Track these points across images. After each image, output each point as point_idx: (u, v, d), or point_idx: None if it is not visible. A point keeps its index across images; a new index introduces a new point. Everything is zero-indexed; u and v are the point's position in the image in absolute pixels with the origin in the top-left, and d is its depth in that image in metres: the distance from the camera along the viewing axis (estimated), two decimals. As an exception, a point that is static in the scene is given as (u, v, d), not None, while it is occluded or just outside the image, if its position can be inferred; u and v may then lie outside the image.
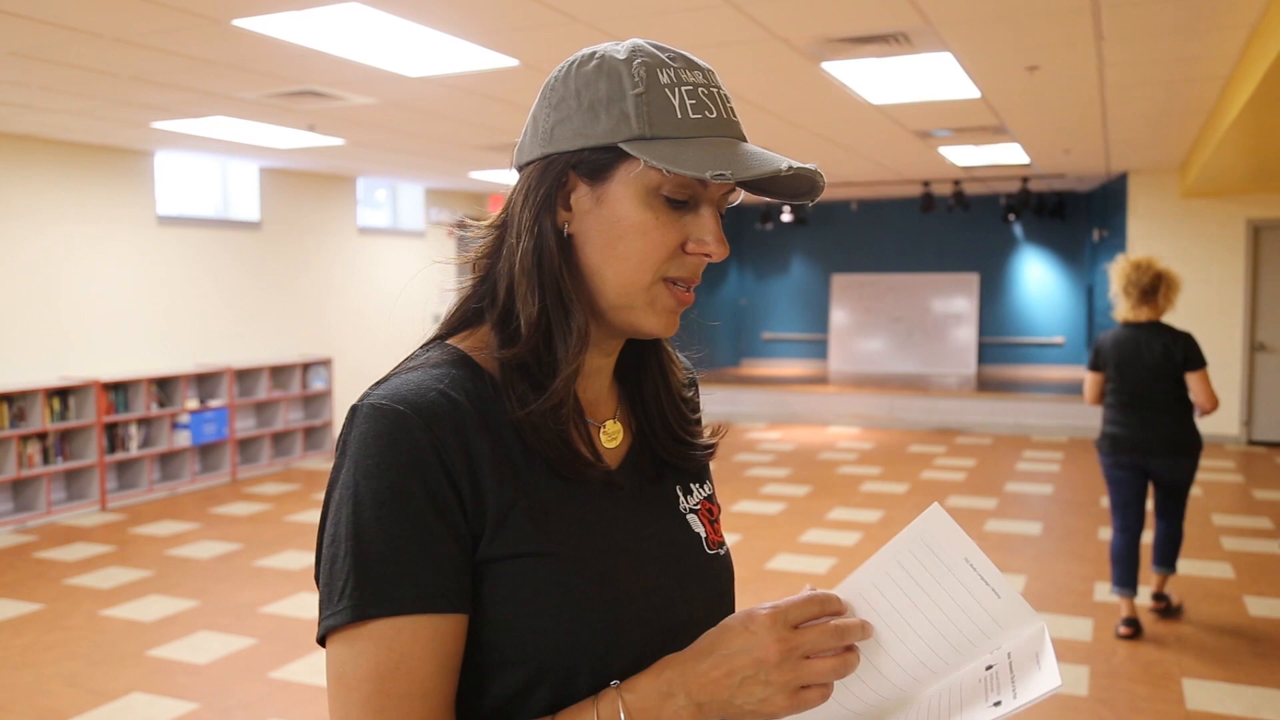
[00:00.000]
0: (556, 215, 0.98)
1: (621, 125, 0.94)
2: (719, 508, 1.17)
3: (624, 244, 0.96)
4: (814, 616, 0.92)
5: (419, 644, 0.88)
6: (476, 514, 0.92)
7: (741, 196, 1.02)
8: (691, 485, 1.11)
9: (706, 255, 0.97)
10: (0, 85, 5.57)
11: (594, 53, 0.98)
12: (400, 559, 0.89)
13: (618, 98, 0.94)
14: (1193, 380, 4.56)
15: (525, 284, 0.97)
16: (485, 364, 0.98)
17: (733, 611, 1.10)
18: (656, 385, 1.10)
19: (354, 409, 0.94)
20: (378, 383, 0.97)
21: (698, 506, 1.09)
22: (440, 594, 0.89)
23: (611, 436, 1.06)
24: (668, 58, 0.97)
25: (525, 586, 0.93)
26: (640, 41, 0.98)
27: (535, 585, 0.93)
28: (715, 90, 0.98)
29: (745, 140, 0.99)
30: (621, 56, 0.96)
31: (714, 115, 0.96)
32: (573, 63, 0.99)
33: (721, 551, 1.10)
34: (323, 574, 0.92)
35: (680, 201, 0.96)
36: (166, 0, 4.00)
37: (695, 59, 0.99)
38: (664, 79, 0.95)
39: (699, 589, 1.03)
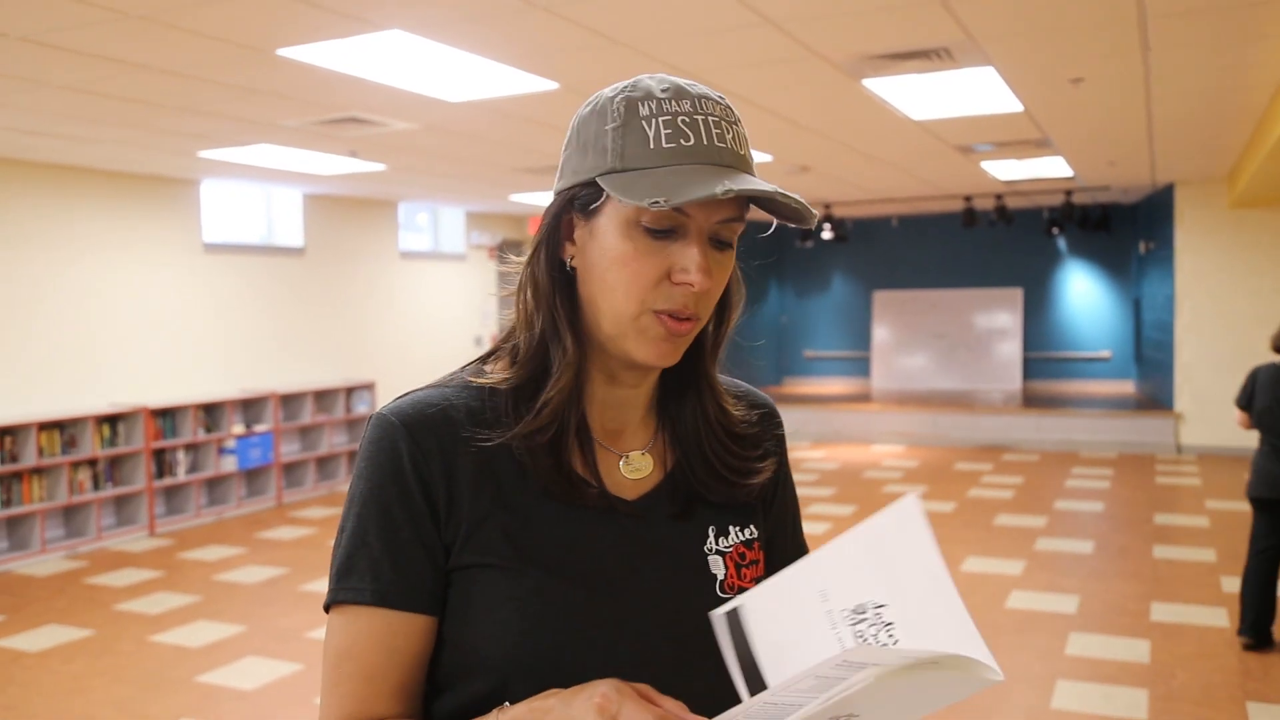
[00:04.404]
0: (560, 249, 1.02)
1: (600, 160, 0.97)
2: (763, 554, 1.11)
3: (611, 275, 0.98)
4: None
5: (366, 634, 0.97)
6: (451, 523, 0.98)
7: (743, 227, 1.00)
8: (730, 527, 1.08)
9: (689, 285, 0.96)
10: (52, 119, 5.69)
11: (599, 93, 1.02)
12: (368, 555, 0.97)
13: (601, 134, 0.98)
14: None
15: (524, 313, 1.04)
16: (499, 386, 1.03)
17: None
18: (696, 419, 1.09)
19: (370, 417, 1.03)
20: (401, 395, 1.04)
21: (729, 549, 1.07)
22: (396, 592, 0.96)
23: (636, 469, 1.06)
24: (660, 89, 0.97)
25: (485, 596, 0.96)
26: (645, 77, 1.00)
27: (494, 596, 0.96)
28: (704, 118, 0.97)
29: (736, 166, 0.97)
30: (610, 94, 0.99)
31: (691, 142, 0.95)
32: (586, 103, 1.03)
33: None
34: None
35: (662, 231, 0.96)
36: (213, 33, 4.06)
37: (691, 87, 0.98)
38: (644, 111, 0.96)
39: (692, 629, 0.98)
